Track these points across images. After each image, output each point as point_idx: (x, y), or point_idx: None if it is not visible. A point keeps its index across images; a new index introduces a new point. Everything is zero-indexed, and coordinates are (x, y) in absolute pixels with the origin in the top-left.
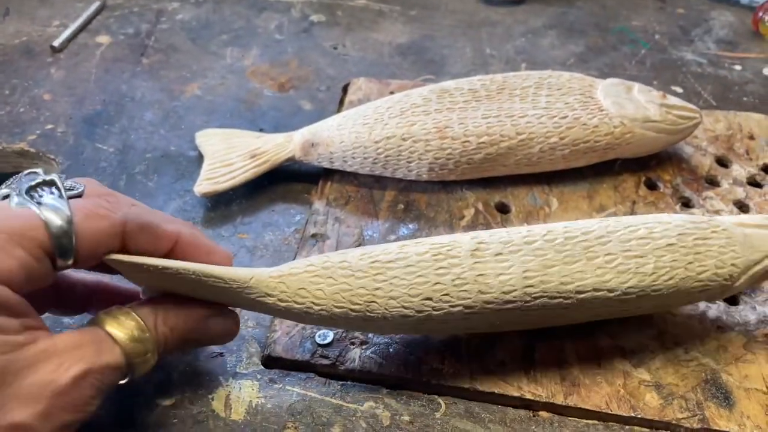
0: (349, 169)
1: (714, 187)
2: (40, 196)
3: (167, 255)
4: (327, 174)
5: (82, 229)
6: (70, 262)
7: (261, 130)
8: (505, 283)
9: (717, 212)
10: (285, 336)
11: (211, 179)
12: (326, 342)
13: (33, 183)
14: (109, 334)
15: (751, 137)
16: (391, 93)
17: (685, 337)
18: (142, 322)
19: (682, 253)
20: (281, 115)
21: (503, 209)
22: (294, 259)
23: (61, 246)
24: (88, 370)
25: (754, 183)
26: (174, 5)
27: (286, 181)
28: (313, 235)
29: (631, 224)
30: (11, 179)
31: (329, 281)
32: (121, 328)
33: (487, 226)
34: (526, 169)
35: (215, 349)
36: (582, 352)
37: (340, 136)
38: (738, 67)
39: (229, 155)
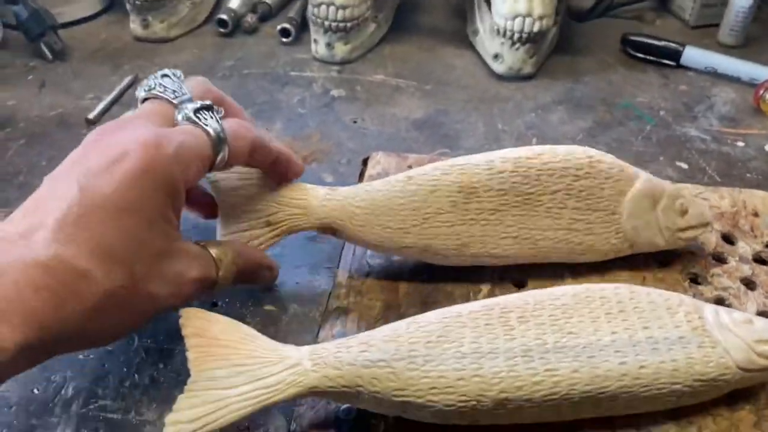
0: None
1: (721, 264)
2: (205, 119)
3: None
4: (348, 247)
5: (232, 147)
6: (222, 165)
7: None
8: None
9: (725, 289)
10: (310, 410)
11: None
12: (350, 417)
13: (197, 106)
14: (213, 257)
15: (756, 214)
16: (409, 167)
17: (697, 416)
18: (229, 255)
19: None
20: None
21: (520, 284)
22: (318, 332)
23: (217, 150)
24: (202, 276)
25: (759, 260)
26: None
27: (308, 249)
28: (336, 309)
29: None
30: (152, 82)
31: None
32: (221, 254)
33: None
34: None
35: (243, 424)
36: (597, 425)
37: (362, 233)
38: (741, 144)
39: (244, 221)
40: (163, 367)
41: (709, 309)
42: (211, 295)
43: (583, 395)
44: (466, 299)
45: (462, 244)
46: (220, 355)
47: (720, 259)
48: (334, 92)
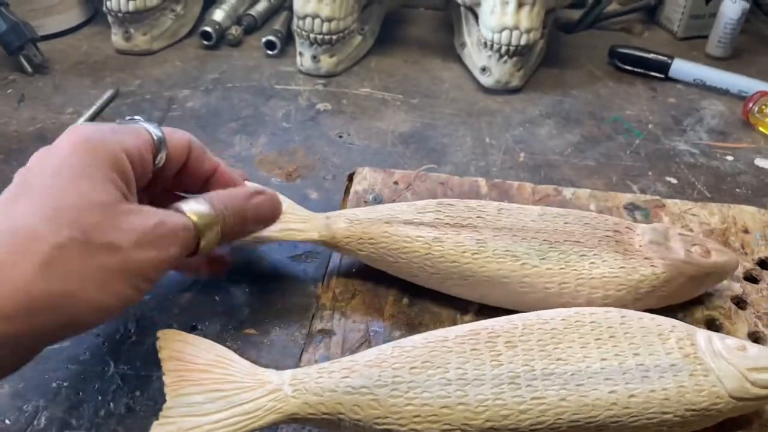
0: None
1: None
2: (140, 121)
3: (206, 179)
4: (333, 263)
5: (169, 139)
6: (162, 163)
7: None
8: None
9: (716, 309)
10: None
11: None
12: None
13: (132, 118)
14: (183, 211)
15: (746, 231)
16: (395, 183)
17: None
18: (207, 202)
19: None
20: None
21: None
22: (301, 355)
23: (158, 149)
24: (172, 232)
25: (750, 278)
26: (184, 93)
27: (290, 269)
28: (320, 331)
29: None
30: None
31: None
32: (194, 204)
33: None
34: None
35: None
36: None
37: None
38: (730, 158)
39: None
40: (140, 394)
41: (702, 335)
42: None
43: (571, 424)
44: (453, 321)
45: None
46: (197, 379)
47: None
48: (320, 106)
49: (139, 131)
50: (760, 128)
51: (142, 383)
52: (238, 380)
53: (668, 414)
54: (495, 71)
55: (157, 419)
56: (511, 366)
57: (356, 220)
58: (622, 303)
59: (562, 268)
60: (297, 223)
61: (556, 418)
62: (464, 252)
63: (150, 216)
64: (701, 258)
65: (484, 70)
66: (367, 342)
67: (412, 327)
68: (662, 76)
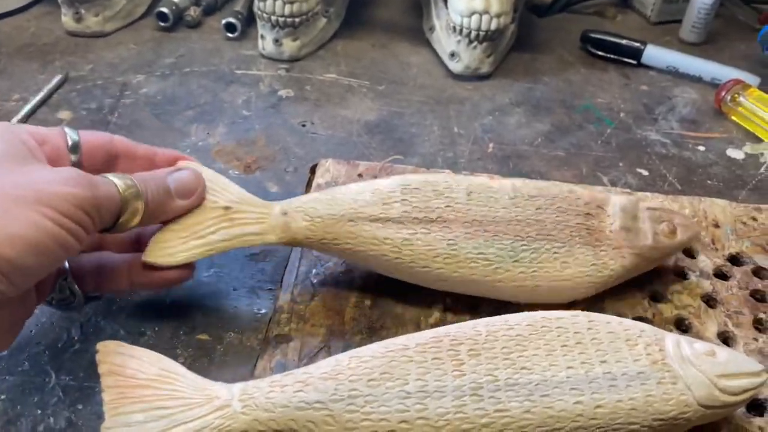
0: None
1: (682, 280)
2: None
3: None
4: (291, 262)
5: (86, 141)
6: (76, 159)
7: None
8: None
9: (685, 308)
10: None
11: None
12: None
13: None
14: (107, 177)
15: (716, 225)
16: (360, 176)
17: None
18: (128, 177)
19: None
20: None
21: (473, 308)
22: (256, 363)
23: (73, 147)
24: (82, 173)
25: (720, 275)
26: (139, 78)
27: (247, 269)
28: (276, 336)
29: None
30: None
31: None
32: (117, 176)
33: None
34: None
35: None
36: None
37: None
38: (702, 148)
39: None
40: (83, 408)
41: (671, 340)
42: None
43: None
44: (417, 324)
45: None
46: (138, 396)
47: (681, 275)
48: (282, 92)
49: (52, 129)
50: (733, 117)
51: (85, 395)
52: (184, 396)
53: (635, 424)
54: (464, 57)
55: None
56: (473, 376)
57: (317, 217)
58: (590, 294)
59: (534, 271)
60: (252, 225)
61: (520, 431)
62: (436, 257)
63: (55, 176)
64: (668, 240)
65: (453, 55)
66: (326, 348)
67: (374, 331)
68: (635, 62)
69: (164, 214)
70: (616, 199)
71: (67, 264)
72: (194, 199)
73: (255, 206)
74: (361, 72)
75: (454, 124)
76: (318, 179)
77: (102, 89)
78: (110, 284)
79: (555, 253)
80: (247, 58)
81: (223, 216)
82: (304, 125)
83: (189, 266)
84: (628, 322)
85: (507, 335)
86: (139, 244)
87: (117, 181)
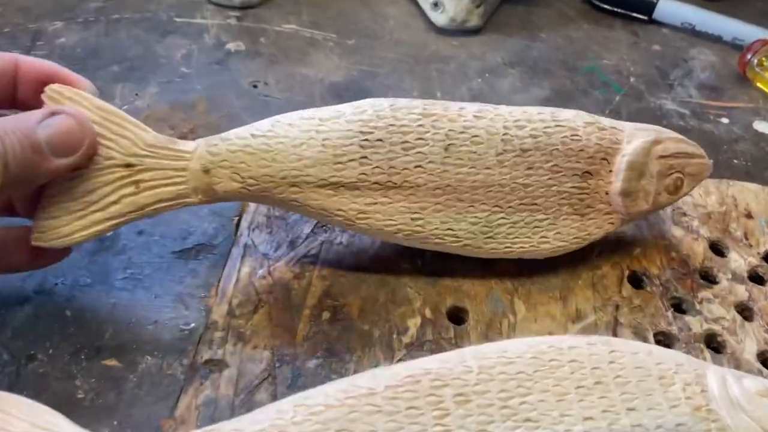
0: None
1: (711, 285)
2: None
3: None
4: (232, 263)
5: None
6: None
7: None
8: None
9: (717, 320)
10: None
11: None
12: None
13: None
14: None
15: (749, 215)
16: None
17: None
18: None
19: None
20: None
21: (457, 318)
22: (178, 399)
23: None
24: None
25: (756, 278)
26: (56, 25)
27: (175, 268)
28: (207, 362)
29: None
30: None
31: None
32: None
33: (437, 345)
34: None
35: None
36: None
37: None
38: (725, 120)
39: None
40: None
41: (714, 375)
42: None
43: None
44: (388, 344)
45: None
46: None
47: (709, 278)
48: (231, 45)
49: None
50: (759, 84)
51: None
52: None
53: None
54: (449, 7)
55: None
56: None
57: (249, 178)
58: None
59: (507, 247)
60: (165, 188)
61: None
62: (396, 233)
63: None
64: (667, 198)
65: (436, 5)
66: (270, 378)
67: (333, 354)
68: (646, 18)
69: (35, 178)
70: (628, 149)
71: None
72: (79, 156)
73: (166, 159)
74: (326, 23)
75: (436, 87)
76: None
77: (9, 39)
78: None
79: (536, 227)
80: (189, 4)
81: (126, 178)
82: (255, 86)
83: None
84: (659, 351)
85: (505, 373)
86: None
87: None
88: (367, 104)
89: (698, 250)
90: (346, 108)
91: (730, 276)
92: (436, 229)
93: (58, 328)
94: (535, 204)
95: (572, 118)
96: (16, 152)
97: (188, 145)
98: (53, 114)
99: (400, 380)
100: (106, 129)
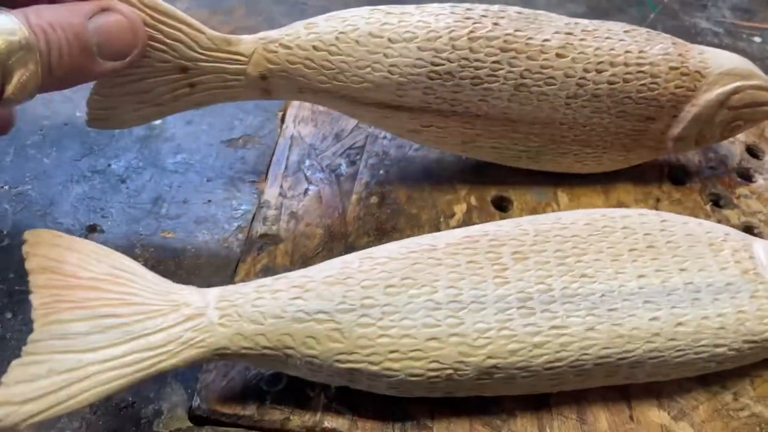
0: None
1: (748, 183)
2: None
3: None
4: (280, 151)
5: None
6: None
7: None
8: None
9: (753, 214)
10: (221, 379)
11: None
12: (277, 388)
13: None
14: None
15: None
16: None
17: (732, 379)
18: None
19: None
20: None
21: (502, 206)
22: (237, 267)
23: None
24: None
25: None
26: None
27: (225, 155)
28: (262, 236)
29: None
30: None
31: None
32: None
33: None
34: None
35: (124, 397)
36: (609, 400)
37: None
38: (758, 39)
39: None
40: (12, 317)
41: (761, 245)
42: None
43: (599, 361)
44: (435, 226)
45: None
46: (79, 300)
47: (745, 176)
48: None
49: None
50: None
51: (15, 302)
52: (142, 302)
53: (722, 347)
54: None
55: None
56: (520, 285)
57: (308, 90)
58: None
59: (549, 167)
60: (222, 87)
61: (582, 354)
62: (445, 148)
63: None
64: (716, 140)
65: None
66: (324, 252)
67: (384, 233)
68: None
69: (78, 79)
70: (700, 100)
71: None
72: (128, 61)
73: (223, 62)
74: None
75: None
76: None
77: None
78: None
79: (581, 157)
80: None
81: (182, 80)
82: None
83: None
84: (708, 223)
85: (560, 236)
86: None
87: None
88: (443, 25)
89: (735, 152)
90: (419, 28)
91: (766, 175)
92: (483, 149)
93: (116, 202)
94: (588, 140)
95: (659, 59)
96: (63, 51)
97: (245, 46)
98: (104, 10)
99: (460, 239)
100: (160, 32)
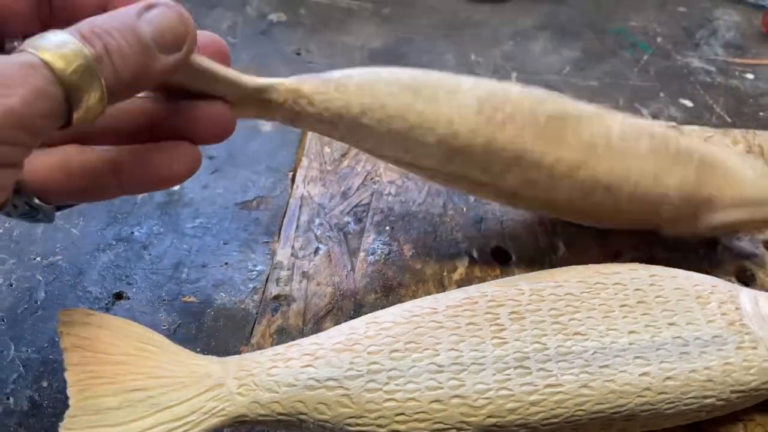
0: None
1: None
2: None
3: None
4: (291, 212)
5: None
6: None
7: (210, 158)
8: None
9: (747, 258)
10: None
11: None
12: None
13: None
14: (35, 54)
15: None
16: None
17: (726, 425)
18: (65, 34)
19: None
20: (235, 140)
21: (503, 258)
22: (253, 328)
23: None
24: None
25: None
26: None
27: (239, 217)
28: (276, 297)
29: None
30: None
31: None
32: (45, 41)
33: (485, 282)
34: None
35: None
36: None
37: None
38: (750, 76)
39: None
40: (47, 386)
41: (747, 295)
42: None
43: (593, 416)
44: (439, 281)
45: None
46: (111, 376)
47: None
48: (273, 16)
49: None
50: None
51: (50, 370)
52: (168, 375)
53: (711, 398)
54: None
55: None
56: (518, 344)
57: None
58: None
59: None
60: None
61: (576, 410)
62: None
63: None
64: None
65: None
66: (335, 310)
67: (390, 289)
68: None
69: (146, 80)
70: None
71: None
72: (185, 51)
73: (255, 105)
74: None
75: (470, 50)
76: None
77: None
78: (88, 191)
79: None
80: None
81: None
82: (299, 53)
83: (197, 156)
84: (696, 276)
85: (555, 294)
86: (134, 134)
87: (47, 56)
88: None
89: None
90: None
91: None
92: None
93: (139, 269)
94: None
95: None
96: (125, 53)
97: (277, 95)
98: (149, 8)
99: (459, 301)
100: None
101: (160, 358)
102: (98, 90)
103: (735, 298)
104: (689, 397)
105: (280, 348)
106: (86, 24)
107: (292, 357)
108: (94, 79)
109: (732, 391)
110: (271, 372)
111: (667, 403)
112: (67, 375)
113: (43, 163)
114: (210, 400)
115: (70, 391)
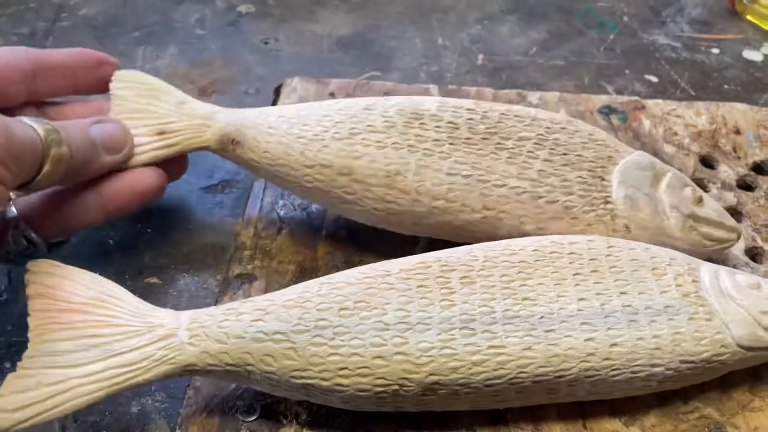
0: (275, 184)
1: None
2: None
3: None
4: (254, 192)
5: None
6: None
7: None
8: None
9: None
10: (201, 412)
11: None
12: (253, 418)
13: None
14: (23, 121)
15: (737, 132)
16: (331, 94)
17: (695, 392)
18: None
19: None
20: None
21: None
22: (216, 304)
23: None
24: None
25: (744, 186)
26: None
27: (204, 201)
28: (238, 276)
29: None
30: None
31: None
32: (34, 120)
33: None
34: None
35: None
36: (563, 410)
37: (266, 143)
38: (716, 51)
39: (135, 122)
40: (11, 366)
41: (707, 269)
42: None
43: (536, 379)
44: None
45: (393, 172)
46: (68, 322)
47: (700, 187)
48: (241, 8)
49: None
50: (749, 17)
51: (14, 352)
52: (123, 323)
53: (659, 366)
54: None
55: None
56: (465, 307)
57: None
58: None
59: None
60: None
61: (519, 372)
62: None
63: None
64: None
65: None
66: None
67: (351, 266)
68: None
69: (91, 169)
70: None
71: (14, 210)
72: (123, 155)
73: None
74: None
75: (438, 35)
76: (284, 99)
77: (35, 13)
78: (79, 222)
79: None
80: None
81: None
82: (266, 43)
83: (160, 173)
84: (655, 248)
85: (508, 261)
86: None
87: (35, 125)
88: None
89: (689, 163)
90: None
91: (719, 185)
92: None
93: (103, 253)
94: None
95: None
96: (78, 143)
97: (209, 137)
98: (100, 121)
99: (413, 265)
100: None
101: (118, 309)
102: (62, 158)
103: (694, 270)
104: (636, 365)
105: (234, 303)
106: (58, 123)
107: (244, 312)
108: (60, 148)
109: (681, 361)
110: (222, 324)
111: (613, 370)
112: (29, 319)
113: (38, 201)
114: (161, 348)
115: (30, 334)
